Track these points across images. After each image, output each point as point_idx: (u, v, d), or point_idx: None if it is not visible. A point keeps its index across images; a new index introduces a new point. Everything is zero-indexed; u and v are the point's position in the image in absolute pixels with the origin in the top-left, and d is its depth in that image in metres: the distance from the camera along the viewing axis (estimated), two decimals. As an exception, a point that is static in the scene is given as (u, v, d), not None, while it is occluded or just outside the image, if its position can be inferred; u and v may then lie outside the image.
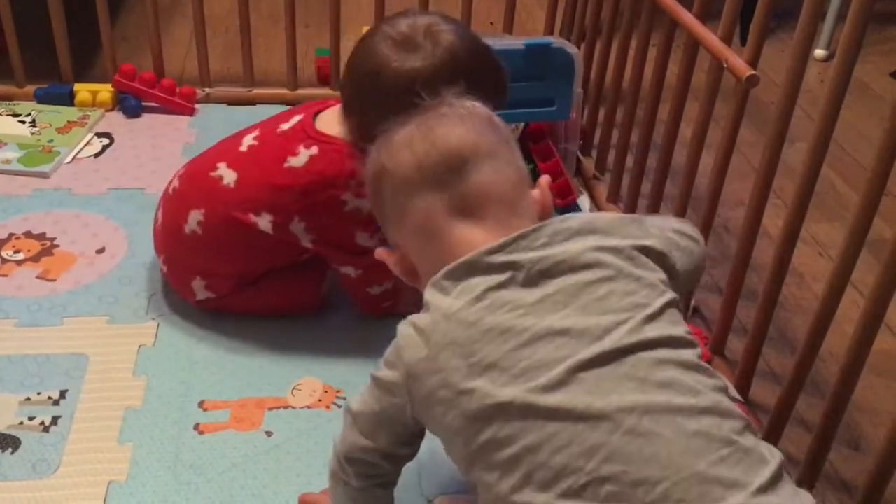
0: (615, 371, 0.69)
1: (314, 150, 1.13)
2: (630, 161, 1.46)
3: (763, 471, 0.67)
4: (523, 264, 0.74)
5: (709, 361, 1.18)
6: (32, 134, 1.65)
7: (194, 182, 1.21)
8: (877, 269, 0.88)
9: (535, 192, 0.84)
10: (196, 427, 1.08)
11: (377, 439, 0.81)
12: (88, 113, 1.72)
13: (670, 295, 0.75)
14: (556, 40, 1.48)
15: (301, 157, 1.13)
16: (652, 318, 0.72)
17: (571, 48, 1.47)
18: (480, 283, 0.74)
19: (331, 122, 1.16)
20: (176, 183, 1.23)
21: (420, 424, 0.79)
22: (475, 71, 1.07)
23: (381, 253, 0.87)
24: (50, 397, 1.10)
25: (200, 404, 1.11)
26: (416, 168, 0.79)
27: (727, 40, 1.13)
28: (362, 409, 0.81)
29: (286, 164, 1.13)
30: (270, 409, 1.11)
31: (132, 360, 1.17)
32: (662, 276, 0.77)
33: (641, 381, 0.69)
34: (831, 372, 0.97)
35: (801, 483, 1.02)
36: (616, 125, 1.53)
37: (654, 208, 1.38)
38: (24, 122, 1.68)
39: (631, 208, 1.48)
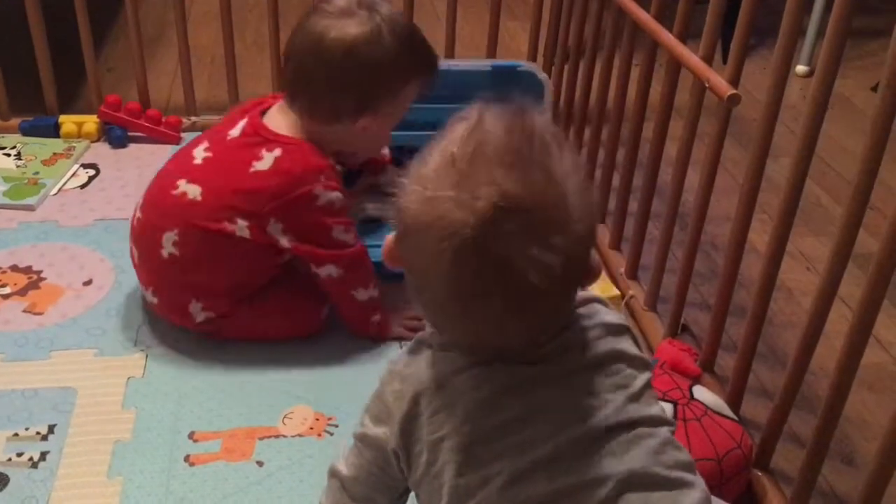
0: (600, 446, 0.70)
1: (278, 151, 1.15)
2: (616, 180, 1.47)
3: None
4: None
5: (698, 377, 1.18)
6: (18, 167, 1.65)
7: (158, 206, 1.21)
8: (864, 282, 0.88)
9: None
10: (186, 459, 1.07)
11: (377, 500, 0.80)
12: (74, 144, 1.72)
13: (646, 375, 0.75)
14: (525, 64, 1.49)
15: (266, 160, 1.15)
16: (634, 398, 0.72)
17: (540, 72, 1.48)
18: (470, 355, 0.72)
19: (279, 118, 1.19)
20: (139, 214, 1.23)
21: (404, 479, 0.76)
22: (412, 40, 1.18)
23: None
24: (38, 432, 1.09)
25: (190, 435, 1.10)
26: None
27: (708, 60, 1.14)
28: (355, 474, 0.79)
29: (252, 170, 1.15)
30: (261, 438, 1.10)
31: (121, 392, 1.16)
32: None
33: (620, 456, 0.69)
34: (822, 386, 0.97)
35: (794, 499, 1.01)
36: (602, 144, 1.54)
37: (641, 226, 1.38)
38: (9, 155, 1.68)
39: (618, 227, 1.48)
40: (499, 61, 1.50)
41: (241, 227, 1.15)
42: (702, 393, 1.07)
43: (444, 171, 0.65)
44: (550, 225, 0.63)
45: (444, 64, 1.44)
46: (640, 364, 0.75)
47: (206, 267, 1.19)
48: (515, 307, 0.65)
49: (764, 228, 1.35)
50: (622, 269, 1.44)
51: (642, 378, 0.74)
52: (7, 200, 1.55)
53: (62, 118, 1.76)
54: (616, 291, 1.39)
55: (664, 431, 0.73)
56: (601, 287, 1.38)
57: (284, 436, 1.11)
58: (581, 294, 0.74)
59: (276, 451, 1.09)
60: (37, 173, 1.62)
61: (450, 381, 0.72)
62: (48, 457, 1.06)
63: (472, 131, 0.67)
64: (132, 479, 1.04)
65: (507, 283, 0.64)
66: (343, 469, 0.80)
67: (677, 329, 1.30)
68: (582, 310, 0.75)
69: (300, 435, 1.11)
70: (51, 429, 1.10)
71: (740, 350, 1.12)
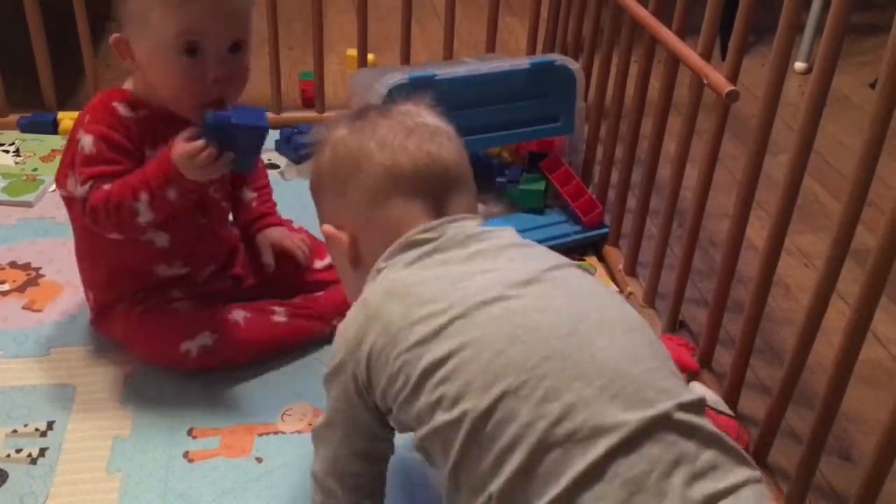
0: (548, 287, 0.75)
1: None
2: (615, 176, 1.47)
3: (691, 391, 0.72)
4: (450, 231, 0.81)
5: (696, 373, 1.18)
6: (16, 163, 1.65)
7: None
8: (861, 278, 0.88)
9: None
10: (185, 455, 1.07)
11: (350, 442, 0.82)
12: (72, 141, 1.72)
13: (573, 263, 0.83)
14: (557, 57, 1.50)
15: None
16: (557, 267, 0.79)
17: (573, 63, 1.50)
18: (413, 252, 0.80)
19: (132, 81, 1.13)
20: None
21: (379, 404, 0.79)
22: None
23: (328, 230, 0.87)
24: (37, 429, 1.10)
25: (189, 432, 1.10)
26: (412, 172, 0.82)
27: (707, 56, 1.14)
28: (325, 421, 0.84)
29: None
30: (261, 434, 1.10)
31: (119, 389, 1.16)
32: None
33: (576, 295, 0.75)
34: (820, 382, 0.97)
35: (792, 495, 1.02)
36: (600, 141, 1.54)
37: (639, 222, 1.38)
38: (7, 152, 1.68)
39: (616, 223, 1.49)
40: (535, 58, 1.51)
41: (72, 187, 1.10)
42: (697, 389, 1.08)
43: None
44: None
45: (483, 68, 1.46)
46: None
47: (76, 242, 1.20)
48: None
49: (762, 225, 1.35)
50: (620, 266, 1.45)
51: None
52: (5, 197, 1.54)
53: (60, 115, 1.76)
54: (614, 288, 1.40)
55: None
56: (600, 283, 1.38)
57: (284, 432, 1.11)
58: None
59: (276, 447, 1.09)
60: (35, 170, 1.62)
61: (387, 276, 0.80)
62: (47, 453, 1.06)
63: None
64: (131, 475, 1.04)
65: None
66: (317, 424, 0.85)
67: (675, 325, 1.30)
68: None
69: (299, 431, 1.11)
70: (50, 425, 1.10)
71: (738, 346, 1.12)
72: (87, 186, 1.06)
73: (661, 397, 0.68)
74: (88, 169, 1.07)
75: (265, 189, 1.32)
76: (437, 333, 0.72)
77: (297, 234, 1.31)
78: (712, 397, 1.08)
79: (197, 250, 1.20)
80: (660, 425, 0.67)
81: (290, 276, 1.28)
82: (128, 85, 1.12)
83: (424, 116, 0.87)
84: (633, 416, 0.66)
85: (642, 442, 0.66)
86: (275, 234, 1.28)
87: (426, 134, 0.84)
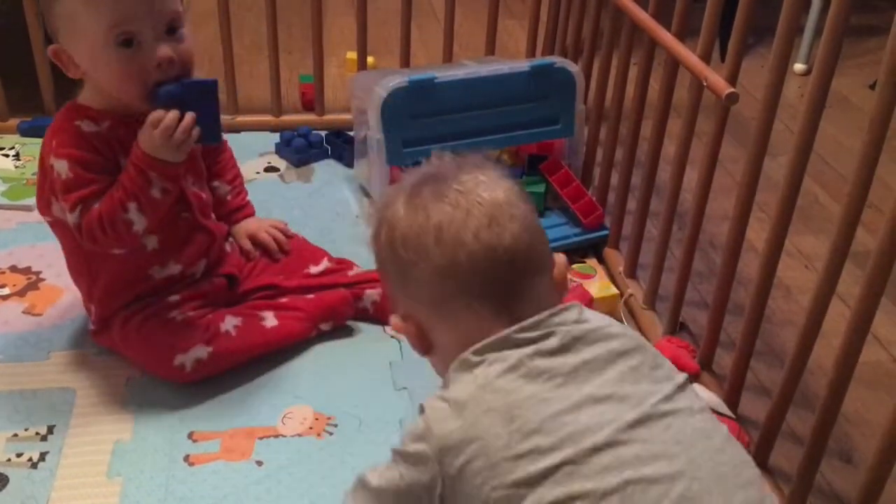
0: (663, 434, 0.69)
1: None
2: (615, 178, 1.47)
3: None
4: (557, 332, 0.73)
5: (696, 375, 1.18)
6: (16, 167, 1.65)
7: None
8: (862, 280, 0.88)
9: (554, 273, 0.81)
10: (186, 459, 1.07)
11: None
12: (72, 145, 1.72)
13: (684, 375, 0.77)
14: (557, 59, 1.50)
15: None
16: (681, 387, 0.74)
17: (572, 66, 1.50)
18: (514, 353, 0.72)
19: (85, 92, 1.12)
20: None
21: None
22: None
23: (395, 323, 0.81)
24: (37, 433, 1.09)
25: (190, 435, 1.10)
26: (472, 272, 0.74)
27: (706, 58, 1.14)
28: (384, 487, 0.75)
29: None
30: (261, 438, 1.10)
31: (120, 393, 1.16)
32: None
33: (689, 447, 0.69)
34: (820, 384, 0.97)
35: (793, 497, 1.02)
36: (600, 143, 1.54)
37: (640, 225, 1.38)
38: (7, 156, 1.68)
39: (616, 225, 1.49)
40: (535, 60, 1.51)
41: (58, 211, 1.12)
42: (699, 391, 1.07)
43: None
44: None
45: (483, 70, 1.46)
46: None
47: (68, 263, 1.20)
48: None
49: (762, 227, 1.35)
50: (621, 268, 1.45)
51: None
52: (6, 201, 1.55)
53: (60, 118, 1.76)
54: (615, 290, 1.40)
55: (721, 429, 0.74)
56: (600, 286, 1.38)
57: (284, 435, 1.11)
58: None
59: (276, 450, 1.09)
60: (35, 174, 1.62)
61: (491, 384, 0.71)
62: (47, 457, 1.06)
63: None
64: (132, 479, 1.04)
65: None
66: (373, 480, 0.77)
67: (676, 327, 1.30)
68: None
69: (300, 435, 1.11)
70: (50, 429, 1.10)
71: (738, 348, 1.12)
72: (76, 213, 1.07)
73: None
74: (72, 195, 1.07)
75: (237, 180, 1.34)
76: (544, 476, 0.67)
77: (275, 227, 1.33)
78: (713, 399, 1.08)
79: (185, 246, 1.20)
80: None
81: (284, 277, 1.29)
82: (84, 98, 1.11)
83: (481, 188, 0.76)
84: None
85: None
86: (251, 225, 1.32)
87: (484, 217, 0.74)
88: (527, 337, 0.73)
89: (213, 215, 1.27)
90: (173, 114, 1.04)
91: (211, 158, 1.28)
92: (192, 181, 1.19)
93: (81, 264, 1.18)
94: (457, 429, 0.70)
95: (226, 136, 1.32)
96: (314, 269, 1.31)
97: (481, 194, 0.76)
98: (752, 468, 0.72)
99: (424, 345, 0.80)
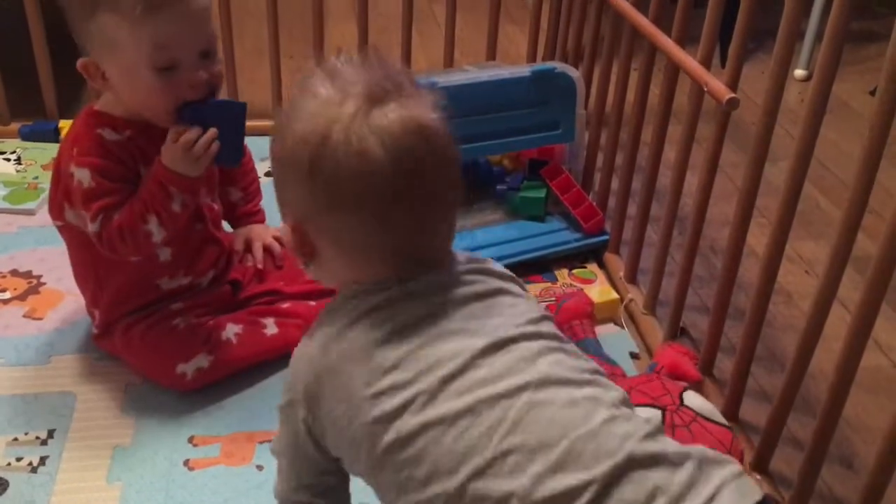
0: (507, 356, 0.72)
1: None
2: (615, 183, 1.47)
3: (648, 425, 0.71)
4: (417, 283, 0.75)
5: (699, 382, 1.18)
6: (17, 171, 1.65)
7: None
8: (862, 285, 0.88)
9: None
10: (186, 463, 1.07)
11: (297, 474, 0.81)
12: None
13: (546, 311, 0.80)
14: (558, 65, 1.51)
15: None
16: (534, 321, 0.77)
17: (573, 71, 1.50)
18: (377, 297, 0.75)
19: (105, 99, 1.13)
20: None
21: (332, 453, 0.77)
22: None
23: (284, 230, 0.79)
24: (37, 437, 1.09)
25: (190, 440, 1.10)
26: (391, 178, 0.71)
27: (706, 64, 1.15)
28: (280, 446, 0.82)
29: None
30: (261, 442, 1.10)
31: (120, 397, 1.16)
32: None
33: (531, 361, 0.72)
34: (821, 390, 0.97)
35: (793, 503, 1.01)
36: (601, 148, 1.55)
37: (640, 230, 1.39)
38: (9, 160, 1.68)
39: (617, 230, 1.49)
40: (536, 66, 1.51)
41: (70, 215, 1.13)
42: (692, 399, 1.07)
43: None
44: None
45: (484, 75, 1.46)
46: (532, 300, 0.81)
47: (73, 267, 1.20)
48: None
49: (763, 232, 1.36)
50: (621, 273, 1.45)
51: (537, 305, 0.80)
52: (7, 205, 1.55)
53: (62, 123, 1.76)
54: (615, 295, 1.40)
55: (569, 346, 0.77)
56: (600, 291, 1.38)
57: (284, 440, 1.11)
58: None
59: (276, 455, 1.09)
60: (36, 178, 1.63)
61: (350, 327, 0.74)
62: (48, 461, 1.06)
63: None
64: (132, 483, 1.04)
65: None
66: (273, 445, 0.83)
67: (676, 332, 1.30)
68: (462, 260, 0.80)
69: (300, 439, 1.11)
70: (50, 433, 1.10)
71: (739, 353, 1.12)
72: (98, 222, 1.07)
73: (622, 443, 0.68)
74: (95, 203, 1.07)
75: (252, 186, 1.34)
76: (402, 409, 0.70)
77: (277, 237, 1.33)
78: (706, 407, 1.07)
79: (197, 258, 1.20)
80: (626, 468, 0.67)
81: (285, 282, 1.29)
82: (102, 105, 1.12)
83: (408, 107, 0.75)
84: (599, 470, 0.67)
85: (612, 490, 0.66)
86: (252, 232, 1.32)
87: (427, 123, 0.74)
88: (393, 284, 0.75)
89: (223, 225, 1.27)
90: (195, 130, 1.05)
91: None
92: (205, 193, 1.19)
93: (89, 271, 1.18)
94: (318, 370, 0.74)
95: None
96: None
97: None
98: (593, 369, 0.76)
99: (308, 257, 0.79)
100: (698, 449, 0.70)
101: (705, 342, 1.21)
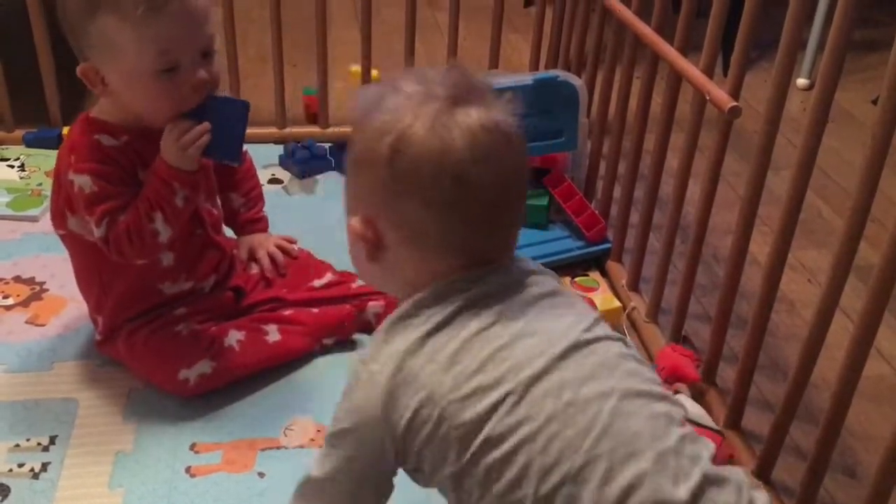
0: (589, 359, 0.73)
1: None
2: (618, 191, 1.47)
3: (709, 447, 0.73)
4: (489, 281, 0.76)
5: (697, 384, 1.18)
6: (21, 178, 1.65)
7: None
8: (865, 294, 0.88)
9: None
10: (188, 470, 1.07)
11: (356, 500, 0.79)
12: (77, 156, 1.72)
13: (596, 312, 0.81)
14: (560, 73, 1.51)
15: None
16: (598, 321, 0.78)
17: (575, 80, 1.50)
18: (450, 305, 0.74)
19: (101, 106, 1.13)
20: None
21: (398, 462, 0.76)
22: None
23: (349, 227, 0.78)
24: (39, 443, 1.09)
25: (192, 447, 1.10)
26: (471, 172, 0.72)
27: (709, 72, 1.15)
28: (325, 476, 0.78)
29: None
30: (263, 450, 1.10)
31: (122, 403, 1.16)
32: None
33: (612, 368, 0.73)
34: (824, 398, 0.97)
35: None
36: (603, 156, 1.55)
37: (642, 238, 1.39)
38: (12, 167, 1.69)
39: (619, 238, 1.49)
40: (539, 74, 1.51)
41: (72, 223, 1.13)
42: (683, 403, 1.07)
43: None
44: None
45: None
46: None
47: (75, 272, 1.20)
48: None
49: (765, 240, 1.36)
50: (623, 281, 1.45)
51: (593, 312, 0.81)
52: (10, 211, 1.55)
53: (66, 130, 1.77)
54: (617, 303, 1.40)
55: (633, 350, 0.79)
56: (603, 299, 1.38)
57: (286, 447, 1.11)
58: None
59: (278, 462, 1.09)
60: (40, 185, 1.63)
61: (424, 339, 0.73)
62: (49, 468, 1.06)
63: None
64: (133, 490, 1.04)
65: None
66: (316, 472, 0.79)
67: (678, 341, 1.30)
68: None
69: (301, 446, 1.11)
70: (52, 440, 1.10)
71: (741, 362, 1.12)
72: (103, 226, 1.07)
73: (695, 463, 0.70)
74: (98, 208, 1.07)
75: (253, 192, 1.33)
76: (492, 411, 0.70)
77: (280, 245, 1.33)
78: (696, 411, 1.07)
79: (198, 262, 1.21)
80: (702, 488, 0.68)
81: (288, 290, 1.29)
82: (98, 112, 1.12)
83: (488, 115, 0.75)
84: (685, 490, 0.68)
85: None
86: (255, 240, 1.32)
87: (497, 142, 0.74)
88: (466, 286, 0.75)
89: (223, 230, 1.27)
90: (187, 122, 1.05)
91: (228, 170, 1.27)
92: (205, 198, 1.20)
93: (93, 277, 1.18)
94: (389, 384, 0.73)
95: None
96: (318, 283, 1.31)
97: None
98: (660, 384, 0.77)
99: (376, 253, 0.77)
100: (740, 474, 0.73)
101: (707, 350, 1.21)
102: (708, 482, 0.69)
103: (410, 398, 0.72)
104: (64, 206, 1.12)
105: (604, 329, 0.78)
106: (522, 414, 0.70)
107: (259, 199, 1.35)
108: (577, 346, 0.73)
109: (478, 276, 0.76)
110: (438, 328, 0.74)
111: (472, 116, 0.72)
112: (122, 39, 1.01)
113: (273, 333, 1.22)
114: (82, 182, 1.07)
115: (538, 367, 0.71)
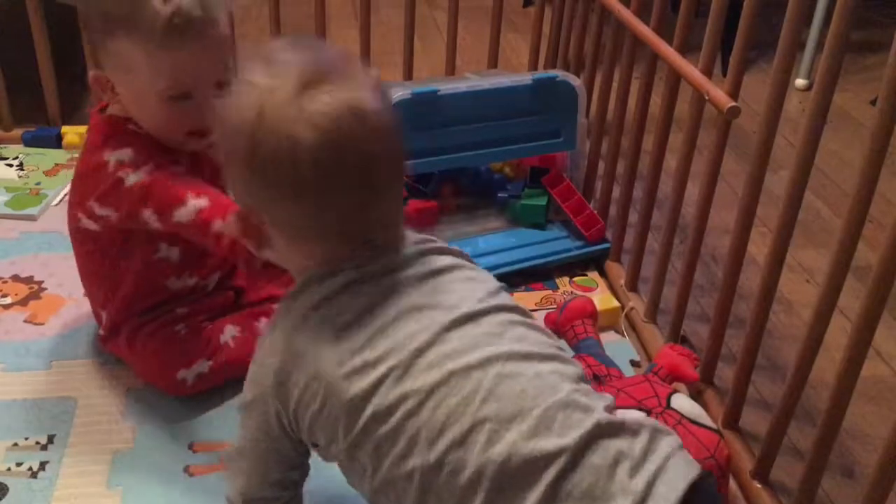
0: (475, 330, 0.75)
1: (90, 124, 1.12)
2: (616, 191, 1.47)
3: (605, 399, 0.76)
4: (374, 264, 0.77)
5: (695, 383, 1.18)
6: (20, 177, 1.65)
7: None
8: (863, 294, 0.88)
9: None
10: (186, 469, 1.07)
11: (264, 471, 0.82)
12: (76, 155, 1.72)
13: (501, 283, 0.83)
14: (559, 73, 1.51)
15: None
16: (493, 294, 0.79)
17: (574, 79, 1.50)
18: (339, 279, 0.76)
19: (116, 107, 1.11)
20: None
21: (305, 440, 0.79)
22: None
23: (235, 219, 0.79)
24: (38, 442, 1.09)
25: (191, 446, 1.10)
26: (324, 162, 0.71)
27: (707, 72, 1.15)
28: (237, 450, 0.83)
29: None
30: (261, 448, 1.10)
31: (121, 402, 1.16)
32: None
33: (499, 336, 0.75)
34: (822, 399, 0.97)
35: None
36: (602, 156, 1.55)
37: (641, 238, 1.39)
38: (11, 166, 1.69)
39: (618, 238, 1.49)
40: (537, 73, 1.52)
41: (84, 221, 1.12)
42: (680, 401, 1.07)
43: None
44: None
45: (486, 83, 1.47)
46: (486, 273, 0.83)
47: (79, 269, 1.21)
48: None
49: (763, 240, 1.36)
50: (622, 281, 1.45)
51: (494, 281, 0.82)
52: (9, 210, 1.55)
53: (64, 129, 1.77)
54: (616, 303, 1.40)
55: (530, 318, 0.80)
56: (601, 299, 1.38)
57: (284, 446, 1.11)
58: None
59: (276, 461, 1.09)
60: (39, 184, 1.63)
61: (313, 314, 0.75)
62: (48, 467, 1.06)
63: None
64: (132, 489, 1.04)
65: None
66: (234, 446, 0.84)
67: (677, 340, 1.30)
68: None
69: (300, 446, 1.11)
70: (50, 439, 1.10)
71: (740, 362, 1.12)
72: (145, 170, 1.04)
73: (588, 413, 0.72)
74: (143, 160, 1.05)
75: None
76: (377, 385, 0.72)
77: None
78: (694, 410, 1.07)
79: (204, 258, 1.20)
80: (593, 436, 0.71)
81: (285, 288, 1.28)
82: (116, 111, 1.10)
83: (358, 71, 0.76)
84: (571, 438, 0.70)
85: (582, 458, 0.70)
86: None
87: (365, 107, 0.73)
88: (351, 266, 0.76)
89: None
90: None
91: None
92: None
93: (105, 270, 1.17)
94: (284, 358, 0.76)
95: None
96: None
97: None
98: (555, 344, 0.79)
99: (261, 244, 0.80)
100: (651, 420, 0.75)
101: (706, 351, 1.21)
102: (600, 430, 0.71)
103: (300, 374, 0.75)
104: (88, 195, 1.09)
105: (499, 299, 0.79)
106: (407, 387, 0.71)
107: None
108: (464, 319, 0.75)
109: (365, 256, 0.77)
110: (321, 304, 0.75)
111: (318, 101, 0.70)
112: (136, 62, 1.01)
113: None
114: (123, 154, 1.05)
115: (422, 340, 0.73)
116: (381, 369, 0.72)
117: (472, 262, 0.84)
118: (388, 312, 0.74)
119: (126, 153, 1.06)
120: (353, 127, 0.71)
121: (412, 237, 0.81)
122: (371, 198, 0.75)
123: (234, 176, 0.77)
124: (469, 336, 0.74)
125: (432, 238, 0.83)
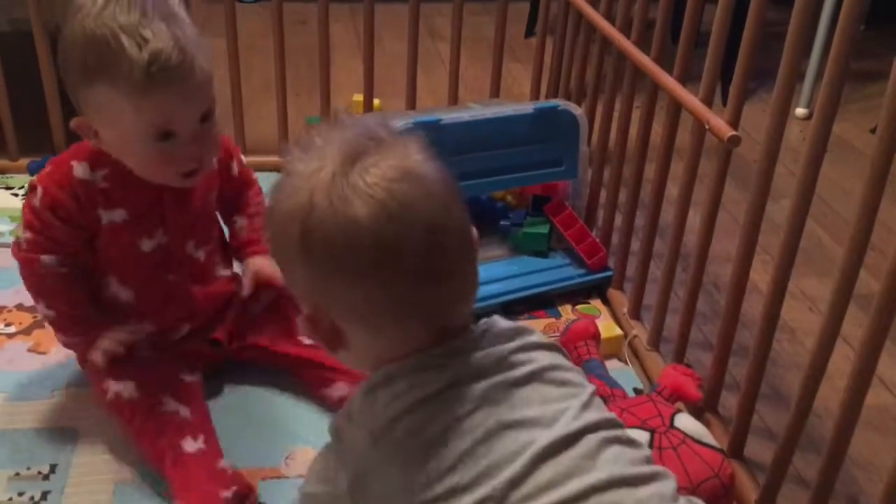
0: (571, 453, 0.70)
1: None
2: (618, 220, 1.48)
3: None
4: (473, 356, 0.72)
5: (698, 403, 1.18)
6: (25, 206, 1.66)
7: None
8: (865, 323, 0.88)
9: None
10: (188, 499, 1.06)
11: None
12: (81, 184, 1.73)
13: (592, 386, 0.77)
14: (561, 102, 1.52)
15: None
16: (587, 405, 0.74)
17: (576, 109, 1.51)
18: (431, 380, 0.71)
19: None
20: None
21: None
22: (96, 37, 0.99)
23: (303, 321, 0.75)
24: (39, 472, 1.09)
25: (192, 476, 1.10)
26: (383, 235, 0.67)
27: (708, 102, 1.16)
28: None
29: None
30: (264, 479, 1.10)
31: (122, 433, 1.15)
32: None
33: (594, 459, 0.70)
34: (826, 427, 0.96)
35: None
36: (604, 185, 1.55)
37: (643, 266, 1.39)
38: (17, 195, 1.70)
39: (620, 266, 1.49)
40: (539, 103, 1.53)
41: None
42: (684, 421, 1.07)
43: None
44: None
45: (488, 112, 1.48)
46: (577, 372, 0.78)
47: None
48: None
49: (765, 269, 1.36)
50: (625, 309, 1.45)
51: (588, 387, 0.77)
52: (13, 239, 1.55)
53: (69, 158, 1.78)
54: (619, 331, 1.40)
55: (621, 430, 0.75)
56: (604, 327, 1.38)
57: (287, 477, 1.10)
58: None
59: (280, 492, 1.08)
60: (43, 213, 1.63)
61: (402, 418, 0.70)
62: (49, 496, 1.06)
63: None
64: (133, 519, 1.03)
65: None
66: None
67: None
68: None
69: (303, 476, 1.10)
70: (52, 468, 1.10)
71: (743, 390, 1.11)
72: (23, 243, 1.11)
73: None
74: (31, 227, 1.10)
75: (258, 216, 1.27)
76: None
77: None
78: (698, 429, 1.07)
79: (165, 308, 1.17)
80: None
81: (271, 342, 1.24)
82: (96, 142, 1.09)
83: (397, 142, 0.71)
84: None
85: None
86: (258, 261, 1.24)
87: (407, 190, 0.68)
88: (444, 362, 0.71)
89: (216, 278, 1.23)
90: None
91: (236, 192, 1.25)
92: (195, 244, 1.17)
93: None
94: (369, 468, 0.71)
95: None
96: (307, 340, 1.22)
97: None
98: (649, 458, 0.75)
99: (336, 344, 0.75)
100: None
101: (709, 379, 1.20)
102: None
103: (378, 486, 0.69)
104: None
105: (594, 413, 0.73)
106: None
107: (262, 219, 1.27)
108: (561, 443, 0.69)
109: (453, 348, 0.71)
110: (405, 414, 0.70)
111: (370, 173, 0.67)
112: (116, 109, 1.00)
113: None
114: (37, 193, 1.09)
115: (518, 469, 0.67)
116: (473, 497, 0.67)
117: (566, 356, 0.78)
118: (481, 427, 0.68)
119: (38, 193, 1.10)
120: (409, 191, 0.67)
121: (506, 327, 0.75)
122: (443, 265, 0.69)
123: (294, 275, 0.72)
124: (564, 464, 0.68)
125: (529, 329, 0.77)
